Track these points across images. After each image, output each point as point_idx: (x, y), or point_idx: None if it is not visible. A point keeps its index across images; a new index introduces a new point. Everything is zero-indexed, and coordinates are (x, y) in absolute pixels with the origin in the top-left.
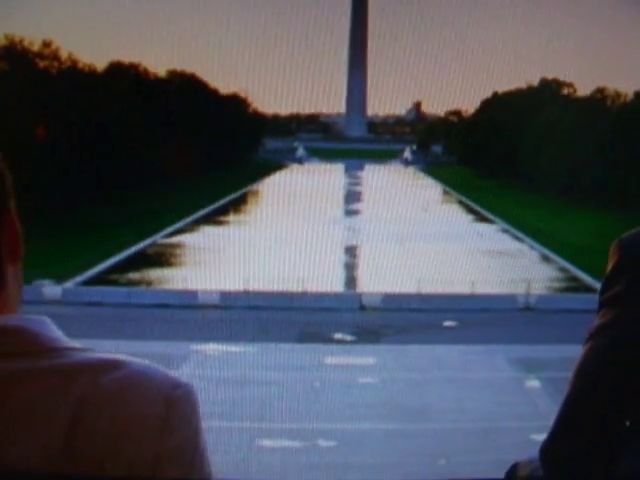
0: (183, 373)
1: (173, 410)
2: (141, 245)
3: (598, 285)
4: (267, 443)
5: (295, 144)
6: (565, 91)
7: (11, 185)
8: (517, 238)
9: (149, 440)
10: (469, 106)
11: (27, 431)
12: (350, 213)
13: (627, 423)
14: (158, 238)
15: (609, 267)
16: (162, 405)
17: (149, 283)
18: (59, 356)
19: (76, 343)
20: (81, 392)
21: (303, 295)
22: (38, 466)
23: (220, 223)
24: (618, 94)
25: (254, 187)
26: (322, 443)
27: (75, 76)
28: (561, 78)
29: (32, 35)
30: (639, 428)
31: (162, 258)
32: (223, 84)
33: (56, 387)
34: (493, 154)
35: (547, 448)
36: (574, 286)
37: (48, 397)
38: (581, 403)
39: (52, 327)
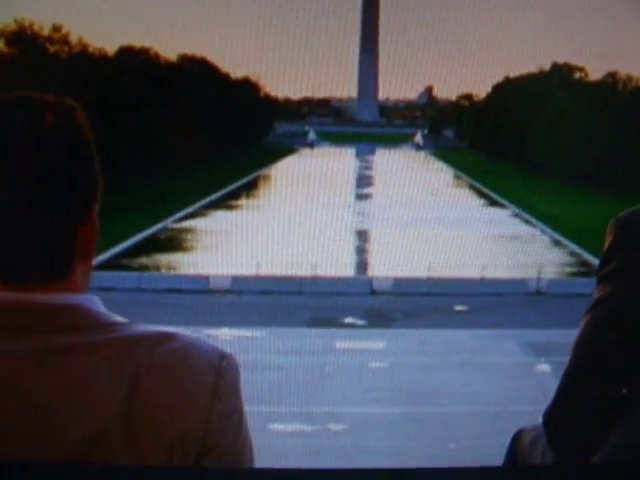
0: None
1: (221, 379)
2: (152, 229)
3: None
4: (278, 427)
5: (306, 128)
6: (577, 75)
7: (101, 189)
8: (528, 222)
9: (200, 407)
10: (481, 90)
11: (86, 400)
12: (361, 197)
13: (624, 391)
14: (169, 222)
15: (606, 244)
16: (211, 374)
17: (160, 268)
18: (115, 330)
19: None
20: (137, 363)
21: (314, 279)
22: (96, 434)
23: (232, 207)
24: (630, 78)
25: (265, 171)
26: (333, 427)
27: (85, 60)
28: (573, 62)
29: (42, 19)
30: (635, 396)
31: (173, 243)
32: (234, 68)
33: (114, 358)
34: (504, 138)
35: (549, 416)
36: (585, 271)
37: (106, 368)
38: (581, 373)
39: (101, 305)
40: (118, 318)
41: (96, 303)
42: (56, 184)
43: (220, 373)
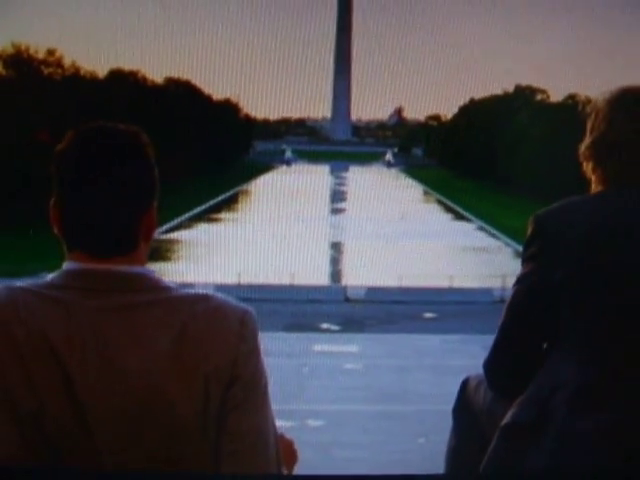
0: None
1: (245, 326)
2: None
3: None
4: None
5: (283, 147)
6: (539, 97)
7: (157, 189)
8: (493, 235)
9: (230, 348)
10: (448, 111)
11: (147, 345)
12: (335, 211)
13: (544, 345)
14: (156, 234)
15: (528, 234)
16: (238, 323)
17: None
18: (169, 292)
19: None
20: (183, 317)
21: (292, 288)
22: (154, 369)
23: (214, 220)
24: (589, 100)
25: (245, 187)
26: (311, 423)
27: (78, 82)
28: (535, 85)
29: (37, 43)
30: (551, 348)
31: (159, 253)
32: (216, 91)
33: (166, 313)
34: (470, 157)
35: (487, 362)
36: None
37: (161, 320)
38: (508, 330)
39: (158, 275)
40: (171, 284)
41: (154, 273)
42: (129, 186)
43: (243, 322)
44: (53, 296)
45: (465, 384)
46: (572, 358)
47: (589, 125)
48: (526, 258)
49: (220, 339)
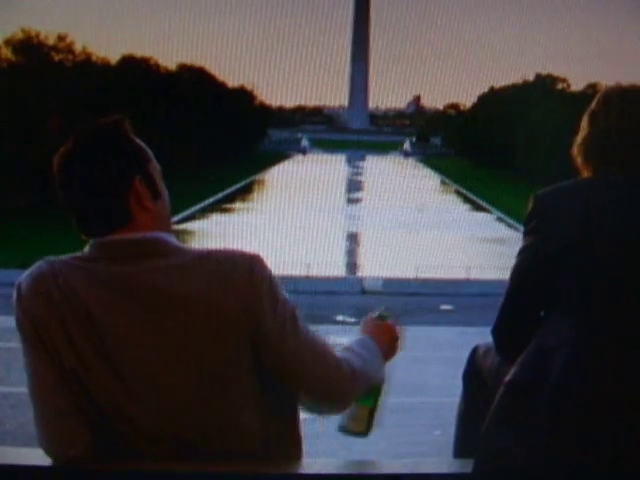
0: None
1: (255, 266)
2: None
3: None
4: None
5: (299, 135)
6: (559, 86)
7: (137, 165)
8: (511, 226)
9: (247, 285)
10: (467, 100)
11: (168, 304)
12: (352, 201)
13: (541, 313)
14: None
15: (528, 211)
16: (248, 265)
17: None
18: (177, 255)
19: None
20: (197, 278)
21: (307, 279)
22: (177, 327)
23: (227, 211)
24: None
25: (260, 176)
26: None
27: (89, 69)
28: (555, 74)
29: (47, 29)
30: (548, 314)
31: None
32: (231, 78)
33: (181, 276)
34: (489, 146)
35: (494, 328)
36: None
37: (177, 282)
38: (514, 295)
39: (174, 238)
40: (186, 246)
41: (172, 237)
42: (101, 173)
43: (252, 263)
44: (85, 267)
45: (474, 351)
46: (569, 322)
47: (581, 124)
48: (527, 232)
49: (237, 282)
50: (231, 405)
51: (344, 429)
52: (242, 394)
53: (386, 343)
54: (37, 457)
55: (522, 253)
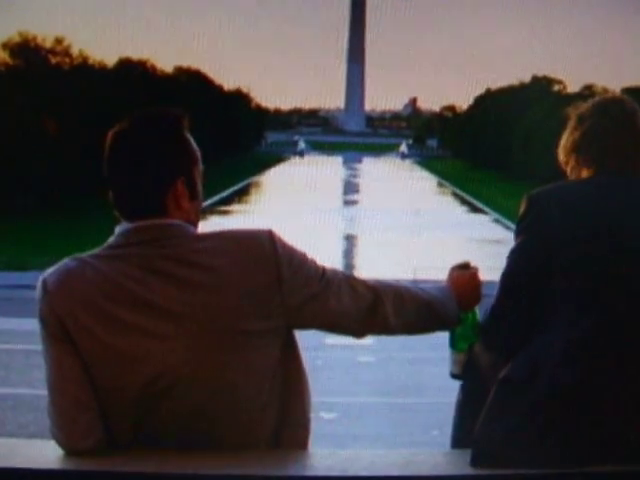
0: None
1: (273, 239)
2: None
3: None
4: None
5: (296, 138)
6: (555, 88)
7: (187, 164)
8: (508, 228)
9: (270, 257)
10: (463, 102)
11: (204, 276)
12: (349, 203)
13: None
14: None
15: (521, 211)
16: (267, 239)
17: None
18: (205, 238)
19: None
20: (226, 251)
21: None
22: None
23: (224, 213)
24: (606, 90)
25: (257, 179)
26: (324, 415)
27: (86, 71)
28: (552, 75)
29: (45, 32)
30: (544, 312)
31: None
32: (227, 80)
33: (213, 253)
34: (486, 148)
35: (487, 325)
36: None
37: (210, 260)
38: (506, 295)
39: (193, 228)
40: (202, 233)
41: (188, 225)
42: (150, 163)
43: (271, 237)
44: (115, 254)
45: (471, 345)
46: (563, 321)
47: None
48: (519, 231)
49: (260, 256)
50: (252, 379)
51: (451, 374)
52: (264, 368)
53: (464, 290)
54: (48, 448)
55: (514, 253)
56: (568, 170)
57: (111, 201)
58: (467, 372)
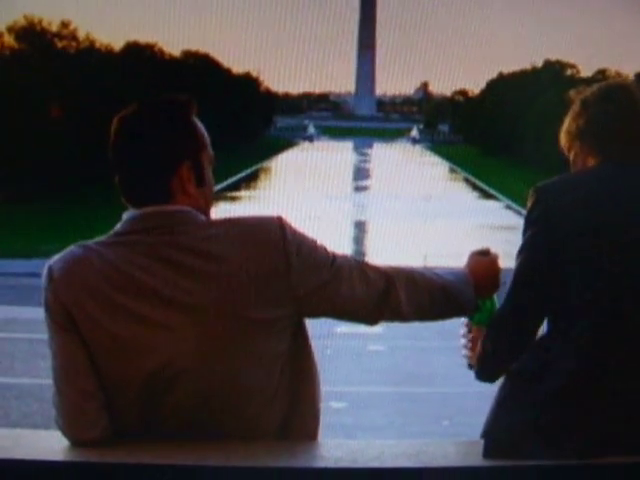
0: None
1: (284, 229)
2: None
3: None
4: None
5: (305, 122)
6: (568, 72)
7: (192, 149)
8: (520, 214)
9: (279, 245)
10: (475, 86)
11: (211, 264)
12: (359, 189)
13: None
14: None
15: (528, 204)
16: (277, 226)
17: None
18: (214, 225)
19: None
20: (234, 238)
21: None
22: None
23: (232, 199)
24: (619, 75)
25: (266, 164)
26: (334, 404)
27: (93, 56)
28: (564, 59)
29: (50, 15)
30: (557, 308)
31: None
32: (236, 64)
33: (221, 240)
34: (499, 133)
35: (496, 322)
36: None
37: (219, 247)
38: (516, 294)
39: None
40: (212, 219)
41: (196, 212)
42: (154, 148)
43: (281, 225)
44: (122, 241)
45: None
46: (574, 312)
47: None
48: (527, 225)
49: (269, 243)
50: (262, 369)
51: (469, 366)
52: (274, 358)
53: (483, 277)
54: (54, 439)
55: (523, 249)
56: (571, 156)
57: (117, 187)
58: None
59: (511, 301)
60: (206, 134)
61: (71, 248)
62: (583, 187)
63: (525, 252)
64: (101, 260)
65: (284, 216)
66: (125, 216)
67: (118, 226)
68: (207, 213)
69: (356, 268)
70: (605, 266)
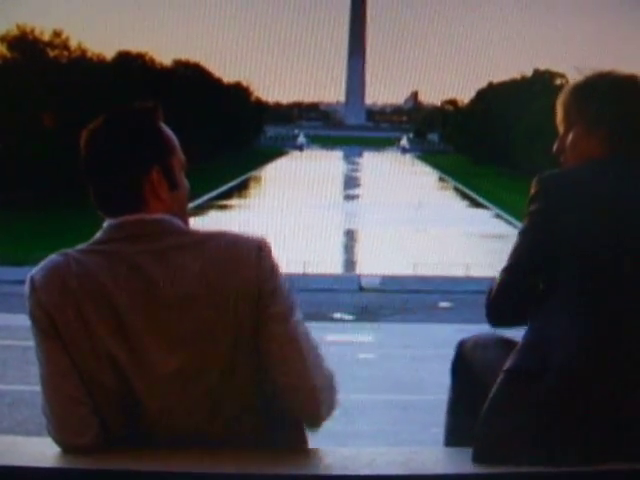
0: None
1: (263, 249)
2: None
3: None
4: None
5: (296, 131)
6: (558, 82)
7: (160, 153)
8: (510, 223)
9: (251, 267)
10: (465, 96)
11: (181, 279)
12: (349, 198)
13: (541, 286)
14: None
15: (532, 193)
16: (256, 247)
17: None
18: (190, 234)
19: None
20: (209, 251)
21: (304, 276)
22: (189, 299)
23: (223, 207)
24: None
25: (256, 173)
26: None
27: (84, 65)
28: (554, 69)
29: (43, 25)
30: (547, 291)
31: None
32: (227, 73)
33: (194, 251)
34: (488, 142)
35: (490, 306)
36: None
37: (190, 257)
38: (511, 275)
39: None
40: (192, 227)
41: (178, 220)
42: (121, 157)
43: (261, 246)
44: (98, 249)
45: (461, 344)
46: (570, 308)
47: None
48: (529, 213)
49: (242, 262)
50: (234, 387)
51: None
52: (244, 376)
53: None
54: (46, 446)
55: (523, 233)
56: (570, 138)
57: (92, 201)
58: (459, 369)
59: (506, 279)
60: (175, 138)
61: (52, 256)
62: (588, 179)
63: (522, 239)
64: (80, 267)
65: (271, 231)
66: (105, 224)
67: (98, 234)
68: (183, 217)
69: (313, 344)
70: (608, 261)
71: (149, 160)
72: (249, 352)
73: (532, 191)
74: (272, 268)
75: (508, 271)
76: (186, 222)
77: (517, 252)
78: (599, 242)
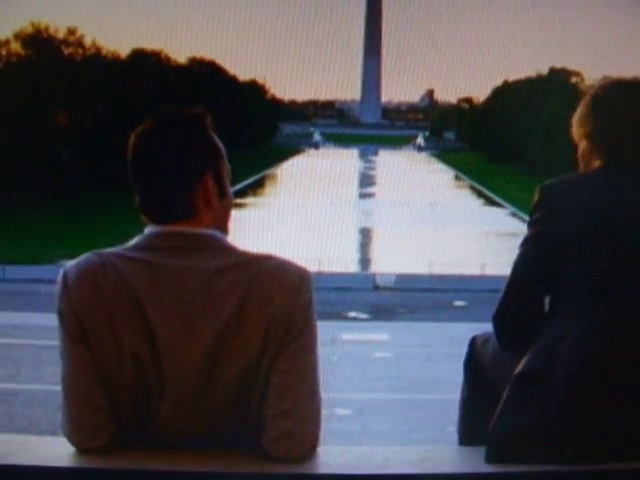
0: None
1: (303, 282)
2: None
3: None
4: None
5: (311, 129)
6: (573, 80)
7: (212, 159)
8: (525, 222)
9: (289, 298)
10: (481, 94)
11: (219, 304)
12: (364, 196)
13: (547, 300)
14: None
15: (534, 201)
16: (298, 278)
17: None
18: (236, 254)
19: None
20: (251, 275)
21: (319, 275)
22: (221, 327)
23: (239, 206)
24: None
25: (272, 171)
26: (339, 411)
27: (99, 62)
28: (569, 67)
29: (57, 23)
30: (555, 304)
31: None
32: (242, 71)
33: (237, 275)
34: (504, 140)
35: (496, 316)
36: None
37: (232, 281)
38: (517, 284)
39: (223, 236)
40: (238, 246)
41: (221, 235)
42: (174, 162)
43: (301, 278)
44: (137, 257)
45: (473, 341)
46: (576, 312)
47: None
48: (531, 222)
49: (281, 290)
50: (252, 398)
51: None
52: (263, 388)
53: None
54: (59, 446)
55: (527, 243)
56: (579, 150)
57: (137, 205)
58: (471, 367)
59: (509, 292)
60: (221, 146)
61: (87, 255)
62: (588, 188)
63: (526, 248)
64: (115, 272)
65: (285, 229)
66: (146, 231)
67: (139, 239)
68: (227, 228)
69: (317, 378)
70: (609, 266)
71: (203, 165)
72: (269, 369)
73: (534, 200)
74: (308, 303)
75: (511, 283)
76: (227, 230)
77: (520, 262)
78: (601, 247)
